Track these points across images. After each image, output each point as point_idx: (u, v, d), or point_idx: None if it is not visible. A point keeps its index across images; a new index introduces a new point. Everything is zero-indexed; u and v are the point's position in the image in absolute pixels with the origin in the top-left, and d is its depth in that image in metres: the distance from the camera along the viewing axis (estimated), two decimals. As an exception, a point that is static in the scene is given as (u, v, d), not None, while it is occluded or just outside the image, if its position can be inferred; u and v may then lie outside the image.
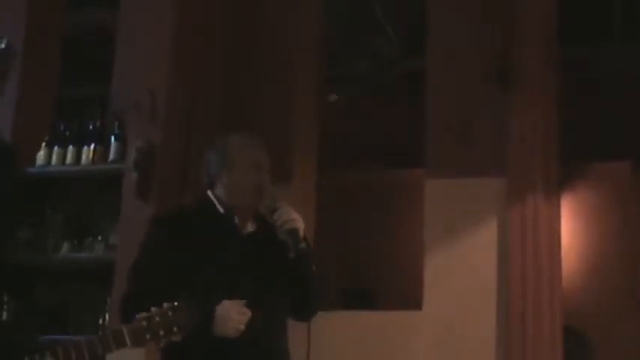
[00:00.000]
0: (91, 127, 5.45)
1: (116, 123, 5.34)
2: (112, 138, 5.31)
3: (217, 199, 3.39)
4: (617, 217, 7.21)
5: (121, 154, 5.23)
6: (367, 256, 8.08)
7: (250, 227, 3.41)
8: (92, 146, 5.35)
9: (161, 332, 2.67)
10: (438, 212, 5.67)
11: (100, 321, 5.07)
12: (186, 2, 5.41)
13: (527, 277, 5.34)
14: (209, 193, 3.42)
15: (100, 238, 5.27)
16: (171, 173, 5.18)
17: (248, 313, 3.12)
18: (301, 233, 3.29)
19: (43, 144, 5.45)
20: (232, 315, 3.12)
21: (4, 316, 5.00)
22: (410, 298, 5.85)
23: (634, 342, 6.78)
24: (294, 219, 3.30)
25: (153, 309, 2.69)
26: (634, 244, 7.02)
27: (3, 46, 3.20)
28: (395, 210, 8.05)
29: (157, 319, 2.68)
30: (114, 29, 5.82)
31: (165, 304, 2.70)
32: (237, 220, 3.37)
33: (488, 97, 5.66)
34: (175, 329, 2.68)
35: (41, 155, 5.43)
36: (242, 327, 3.11)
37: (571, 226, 6.82)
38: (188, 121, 5.36)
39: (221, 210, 3.37)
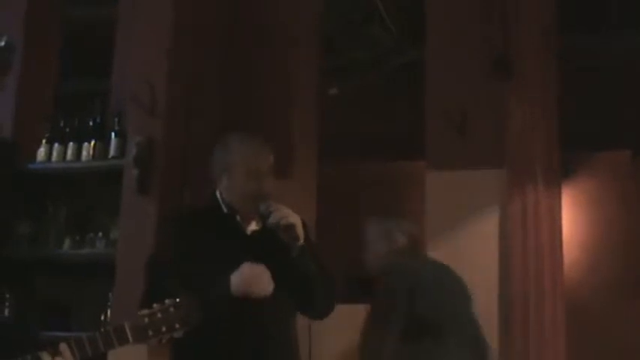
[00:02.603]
0: (91, 123, 5.45)
1: (116, 119, 5.35)
2: (112, 134, 5.32)
3: (222, 199, 3.46)
4: (618, 206, 7.22)
5: (121, 150, 5.23)
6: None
7: (254, 226, 3.46)
8: (92, 142, 5.35)
9: (163, 328, 2.68)
10: (438, 204, 5.67)
11: (102, 317, 5.07)
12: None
13: (528, 268, 5.35)
14: (217, 192, 3.50)
15: (101, 234, 5.28)
16: (171, 168, 5.18)
17: (261, 270, 3.20)
18: (299, 230, 3.31)
19: (44, 140, 5.45)
20: (244, 270, 3.21)
21: (6, 312, 5.01)
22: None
23: (635, 330, 6.79)
24: (288, 214, 3.32)
25: (155, 305, 2.70)
26: (635, 233, 7.03)
27: (3, 43, 3.20)
28: (396, 202, 8.04)
29: (159, 315, 2.68)
30: (113, 25, 5.81)
31: (166, 301, 2.70)
32: (239, 219, 3.42)
33: (488, 87, 5.66)
34: (177, 325, 2.69)
35: (42, 152, 5.43)
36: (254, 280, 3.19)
37: (572, 215, 6.83)
38: (188, 116, 5.36)
39: (225, 210, 3.44)
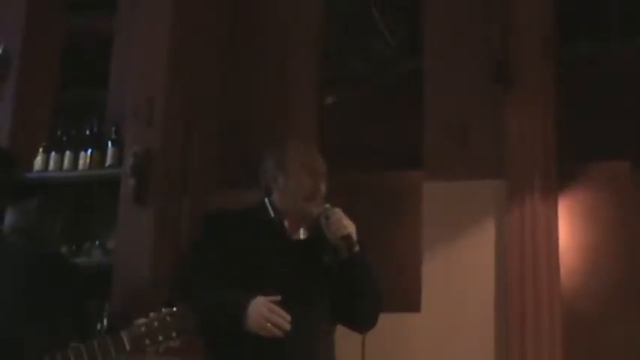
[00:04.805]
0: (88, 132, 5.44)
1: (113, 128, 5.34)
2: (109, 143, 5.31)
3: (271, 204, 3.37)
4: (616, 217, 7.19)
5: (118, 159, 5.22)
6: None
7: (301, 234, 3.38)
8: (89, 151, 5.34)
9: (160, 337, 2.67)
10: (436, 214, 5.68)
11: (99, 326, 5.06)
12: (183, 7, 5.40)
13: (525, 278, 5.34)
14: (265, 199, 3.40)
15: (97, 243, 5.27)
16: (168, 178, 5.17)
17: (280, 313, 3.03)
18: (354, 238, 3.24)
19: (41, 149, 5.44)
20: (262, 310, 3.03)
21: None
22: (408, 300, 5.85)
23: (634, 341, 6.77)
24: (347, 225, 3.24)
25: (152, 314, 2.69)
26: (632, 244, 7.01)
27: (0, 52, 3.21)
28: (394, 212, 8.03)
29: (156, 324, 2.68)
30: (112, 34, 5.81)
31: (163, 310, 2.70)
32: (286, 225, 3.34)
33: (487, 98, 5.67)
34: (174, 334, 2.68)
35: (39, 161, 5.42)
36: (268, 325, 3.01)
37: (569, 226, 6.81)
38: (186, 126, 5.36)
39: (271, 214, 3.34)
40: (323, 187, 3.33)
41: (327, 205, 3.29)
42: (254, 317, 3.03)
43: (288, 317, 3.04)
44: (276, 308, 3.04)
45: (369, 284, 3.30)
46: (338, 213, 3.27)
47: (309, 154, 3.38)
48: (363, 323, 3.38)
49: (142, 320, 2.69)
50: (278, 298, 3.06)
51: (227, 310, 3.07)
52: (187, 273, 3.30)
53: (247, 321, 3.03)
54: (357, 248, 3.24)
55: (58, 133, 5.51)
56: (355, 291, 3.27)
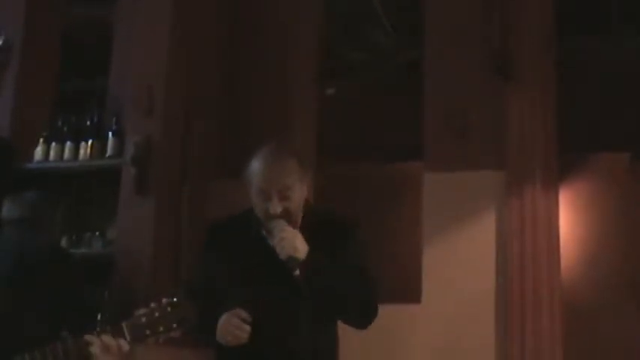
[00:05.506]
0: (88, 122, 5.45)
1: (114, 118, 5.34)
2: (110, 133, 5.31)
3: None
4: (616, 208, 7.21)
5: (119, 150, 5.22)
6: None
7: None
8: (90, 142, 5.35)
9: (160, 328, 2.67)
10: (436, 205, 5.68)
11: (99, 316, 5.06)
12: (184, 7, 5.38)
13: (525, 269, 5.34)
14: None
15: (98, 233, 5.27)
16: (169, 168, 5.17)
17: (245, 328, 3.16)
18: (299, 255, 3.19)
19: (41, 140, 5.44)
20: (229, 326, 3.19)
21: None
22: (409, 291, 5.86)
23: (633, 331, 6.78)
24: (284, 246, 3.20)
25: (152, 304, 2.69)
26: (632, 235, 7.03)
27: (1, 42, 3.20)
28: (394, 203, 8.04)
29: (157, 314, 2.67)
30: (112, 24, 5.81)
31: (164, 300, 2.69)
32: (264, 232, 3.33)
33: (487, 89, 5.67)
34: (175, 325, 2.68)
35: (39, 151, 5.42)
36: (235, 339, 3.18)
37: (569, 217, 6.82)
38: (187, 116, 5.36)
39: (253, 221, 3.36)
40: (276, 205, 3.25)
41: (274, 224, 3.24)
42: (218, 332, 3.21)
43: (247, 329, 3.16)
44: (237, 323, 3.17)
45: (328, 294, 3.28)
46: (281, 233, 3.23)
47: (262, 173, 3.29)
48: (350, 323, 3.41)
49: (142, 310, 2.68)
50: (244, 314, 3.17)
51: (205, 325, 3.19)
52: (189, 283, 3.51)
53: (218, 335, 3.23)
54: (296, 272, 3.20)
55: (59, 123, 5.51)
56: (322, 299, 3.29)
